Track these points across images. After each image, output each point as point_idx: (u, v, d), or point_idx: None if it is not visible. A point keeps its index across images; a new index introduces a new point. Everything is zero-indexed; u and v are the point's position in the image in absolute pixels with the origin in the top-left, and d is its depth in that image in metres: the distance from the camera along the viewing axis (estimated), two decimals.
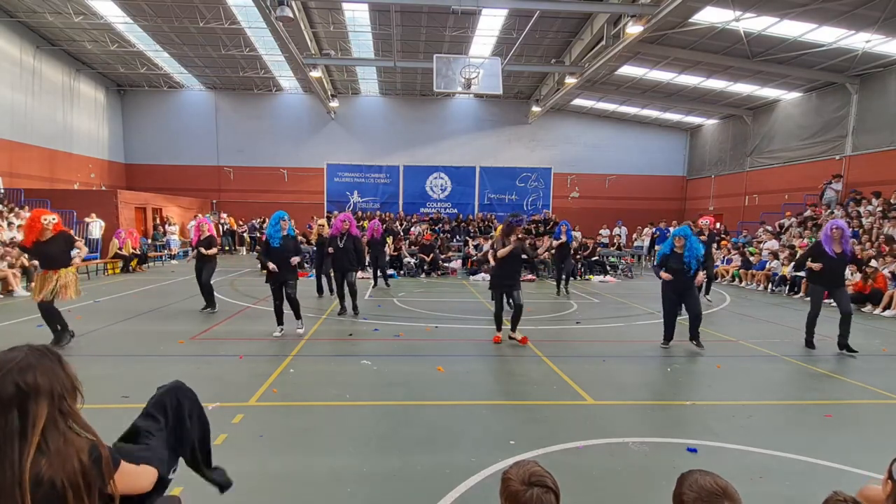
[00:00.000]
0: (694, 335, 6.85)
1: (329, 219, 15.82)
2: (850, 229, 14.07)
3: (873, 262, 11.06)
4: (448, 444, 3.87)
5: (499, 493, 1.48)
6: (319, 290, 11.24)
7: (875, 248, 12.15)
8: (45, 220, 6.24)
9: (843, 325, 6.81)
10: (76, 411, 1.40)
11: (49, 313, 6.37)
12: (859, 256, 6.47)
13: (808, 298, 7.45)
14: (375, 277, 12.86)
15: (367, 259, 13.70)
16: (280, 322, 7.28)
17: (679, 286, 6.70)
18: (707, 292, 11.01)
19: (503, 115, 25.07)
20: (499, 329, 7.22)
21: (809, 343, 7.06)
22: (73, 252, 6.49)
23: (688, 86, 19.54)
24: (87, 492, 1.32)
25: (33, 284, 6.56)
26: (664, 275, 6.70)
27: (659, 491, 3.13)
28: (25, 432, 1.27)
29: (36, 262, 10.94)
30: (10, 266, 11.02)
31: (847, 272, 11.66)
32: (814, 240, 13.53)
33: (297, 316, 7.40)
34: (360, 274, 14.16)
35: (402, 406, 4.64)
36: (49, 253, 6.31)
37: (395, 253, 15.62)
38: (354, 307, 8.91)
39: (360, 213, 21.21)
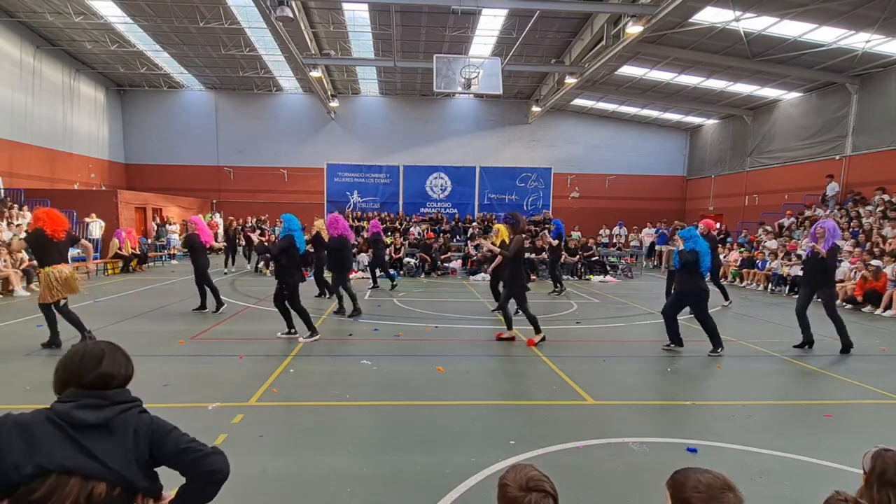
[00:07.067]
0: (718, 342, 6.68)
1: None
2: (850, 229, 14.07)
3: (875, 262, 11.00)
4: (448, 444, 3.87)
5: (496, 499, 1.42)
6: (321, 291, 11.22)
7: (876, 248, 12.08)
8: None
9: (834, 324, 6.82)
10: None
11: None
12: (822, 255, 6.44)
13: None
14: (374, 278, 12.78)
15: (368, 259, 13.69)
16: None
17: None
18: (726, 298, 10.74)
19: (503, 115, 25.07)
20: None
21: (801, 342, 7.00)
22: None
23: (688, 86, 19.53)
24: None
25: (41, 283, 6.05)
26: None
27: (659, 491, 3.08)
28: None
29: (36, 262, 10.98)
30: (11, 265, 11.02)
31: (847, 271, 11.73)
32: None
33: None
34: (359, 274, 14.26)
35: (402, 406, 4.64)
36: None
37: (398, 255, 15.60)
38: (355, 309, 8.87)
39: (359, 213, 21.19)
